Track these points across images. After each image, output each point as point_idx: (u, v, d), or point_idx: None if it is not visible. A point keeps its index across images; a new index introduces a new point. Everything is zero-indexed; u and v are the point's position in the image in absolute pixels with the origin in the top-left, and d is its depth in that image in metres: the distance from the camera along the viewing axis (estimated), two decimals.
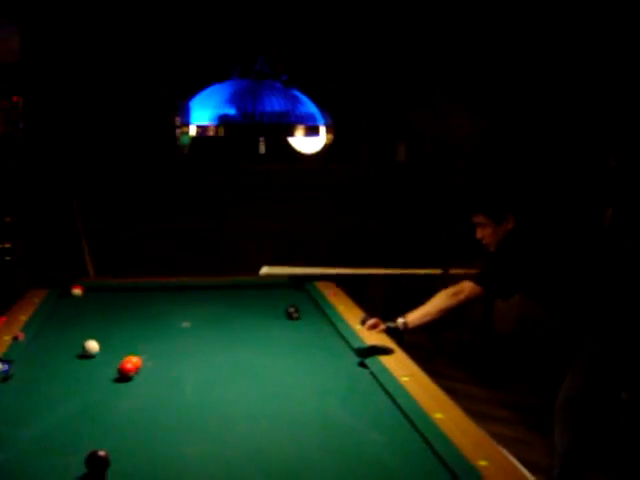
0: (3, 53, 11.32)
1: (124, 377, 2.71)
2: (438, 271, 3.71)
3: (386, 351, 3.05)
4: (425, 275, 6.03)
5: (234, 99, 2.45)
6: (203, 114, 2.52)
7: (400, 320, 3.23)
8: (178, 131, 2.56)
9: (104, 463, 2.01)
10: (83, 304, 3.76)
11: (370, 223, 6.28)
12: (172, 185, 5.96)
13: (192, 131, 2.54)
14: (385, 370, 2.83)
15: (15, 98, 14.74)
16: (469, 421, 2.41)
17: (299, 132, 2.58)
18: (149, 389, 2.66)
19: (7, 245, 5.97)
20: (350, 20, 5.97)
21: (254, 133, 2.58)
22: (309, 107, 2.60)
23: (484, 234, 3.20)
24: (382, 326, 3.24)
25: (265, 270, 3.35)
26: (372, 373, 2.85)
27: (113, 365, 2.78)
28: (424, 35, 6.10)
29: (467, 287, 3.13)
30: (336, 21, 5.92)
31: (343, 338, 3.28)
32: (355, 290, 4.21)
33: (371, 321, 3.22)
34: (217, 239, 6.02)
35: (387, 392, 2.65)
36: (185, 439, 2.26)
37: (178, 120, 2.56)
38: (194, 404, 2.54)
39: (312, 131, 2.63)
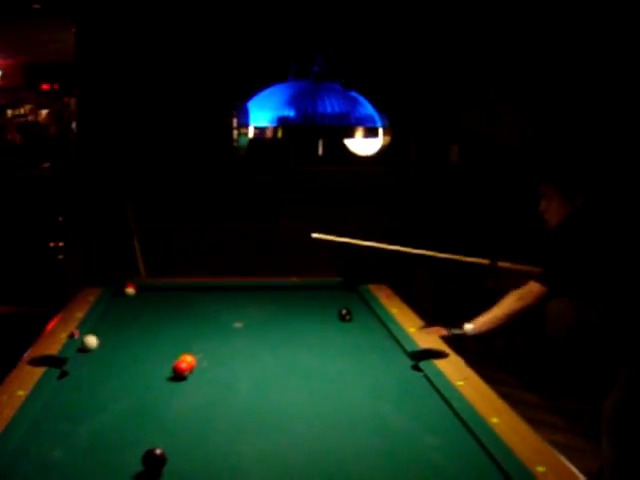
0: (57, 53, 11.49)
1: (179, 376, 2.72)
2: (486, 261, 3.64)
3: (440, 354, 3.02)
4: (473, 267, 5.98)
5: (293, 101, 2.44)
6: (262, 115, 2.52)
7: (468, 326, 3.19)
8: (236, 132, 2.56)
9: (161, 461, 2.01)
10: (136, 303, 3.79)
11: (422, 226, 6.23)
12: (223, 185, 5.98)
13: (250, 133, 2.54)
14: (439, 374, 2.80)
15: (66, 99, 14.95)
16: (526, 426, 2.37)
17: (358, 134, 2.56)
18: (203, 389, 2.67)
19: (60, 244, 6.07)
20: (402, 21, 5.94)
21: (313, 135, 2.56)
22: (368, 109, 2.58)
23: (548, 207, 3.08)
24: (443, 332, 3.22)
25: (316, 235, 3.34)
26: (426, 376, 2.82)
27: (167, 364, 2.79)
28: (476, 35, 6.04)
29: (534, 288, 3.06)
30: (387, 22, 5.89)
31: (396, 340, 3.25)
32: (404, 292, 4.18)
33: (432, 329, 3.20)
34: (267, 240, 6.03)
35: (442, 396, 2.62)
36: (241, 439, 2.26)
37: (236, 121, 2.56)
38: (249, 405, 2.54)
39: (371, 133, 2.61)
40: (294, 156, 6.02)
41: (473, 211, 6.23)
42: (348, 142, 2.84)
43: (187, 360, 2.76)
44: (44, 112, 15.57)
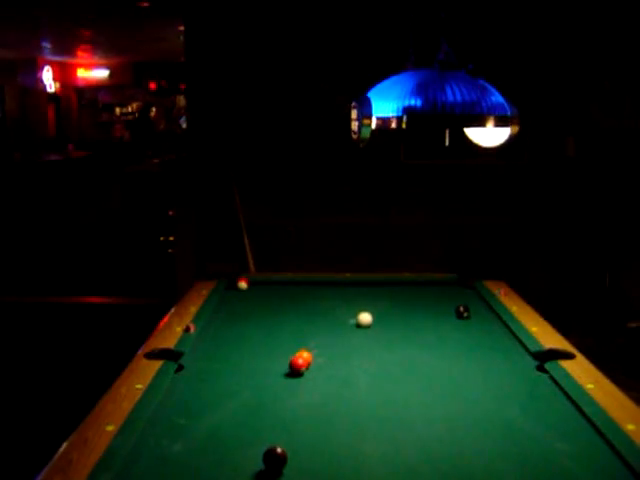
0: (165, 52, 11.68)
1: (295, 372, 2.66)
2: None
3: (566, 355, 2.86)
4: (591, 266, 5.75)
5: (419, 89, 2.33)
6: (385, 106, 2.42)
7: None
8: (356, 124, 2.47)
9: (282, 460, 1.95)
10: (249, 297, 3.76)
11: (534, 222, 6.02)
12: (332, 180, 5.92)
13: (373, 124, 2.45)
14: (567, 376, 2.65)
15: (173, 97, 15.23)
16: None
17: (490, 123, 2.43)
18: (321, 386, 2.60)
19: (171, 238, 6.14)
20: (515, 10, 5.74)
21: (441, 124, 2.44)
22: (498, 96, 2.44)
23: None
24: None
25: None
26: (552, 378, 2.68)
27: (283, 360, 2.74)
28: (588, 21, 5.78)
29: None
30: (501, 11, 5.70)
31: (518, 340, 3.11)
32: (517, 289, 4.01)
33: None
34: (377, 235, 5.94)
35: (571, 399, 2.47)
36: (363, 440, 2.18)
37: (357, 113, 2.48)
38: (368, 403, 2.46)
39: (502, 122, 2.46)
40: (404, 150, 5.90)
41: (590, 208, 5.97)
42: (472, 133, 2.71)
43: (304, 356, 2.70)
44: (152, 109, 15.98)
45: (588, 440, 2.20)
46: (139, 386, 2.41)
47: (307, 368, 2.69)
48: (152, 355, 2.72)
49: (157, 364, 2.63)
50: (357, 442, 2.16)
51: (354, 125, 2.57)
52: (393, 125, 2.39)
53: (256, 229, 5.79)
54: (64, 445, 1.97)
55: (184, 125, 13.46)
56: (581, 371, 2.70)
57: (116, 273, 7.38)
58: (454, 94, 2.32)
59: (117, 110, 16.33)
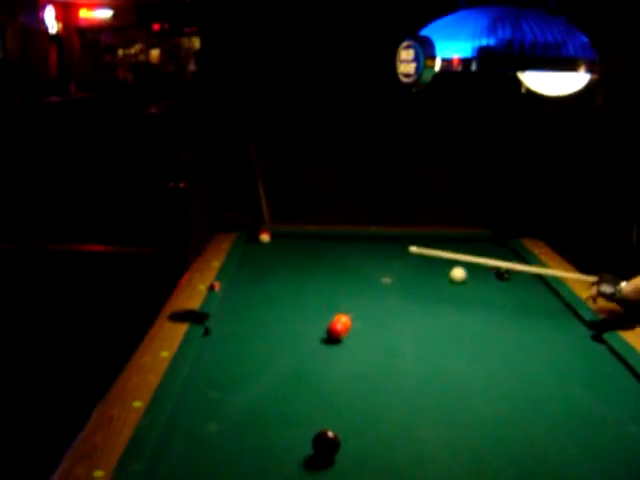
0: None
1: (334, 339, 2.43)
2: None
3: (625, 325, 2.62)
4: (618, 224, 5.51)
5: (494, 27, 2.04)
6: (452, 46, 2.13)
7: (618, 287, 2.78)
8: (413, 66, 2.19)
9: (334, 446, 1.73)
10: (272, 251, 3.52)
11: (558, 177, 5.74)
12: (351, 126, 5.62)
13: (437, 65, 2.16)
14: (630, 349, 2.42)
15: (177, 39, 14.78)
16: None
17: (581, 67, 2.14)
18: (363, 355, 2.38)
19: (181, 185, 5.87)
20: None
21: (523, 67, 2.15)
22: (583, 38, 2.15)
23: None
24: (594, 291, 2.81)
25: (414, 249, 2.99)
26: (613, 350, 2.44)
27: (318, 323, 2.52)
28: None
29: None
30: None
31: (568, 306, 2.87)
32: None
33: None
34: (395, 186, 5.67)
35: (638, 376, 2.24)
36: (417, 421, 1.96)
37: (412, 54, 2.19)
38: (417, 377, 2.24)
39: (591, 67, 2.16)
40: (428, 96, 5.58)
41: (617, 162, 5.69)
42: (534, 79, 2.41)
43: (342, 321, 2.47)
44: (155, 52, 15.54)
45: None
46: (165, 354, 2.18)
47: (347, 334, 2.45)
48: (176, 317, 2.48)
49: (182, 328, 2.40)
50: (412, 424, 1.94)
51: (406, 67, 2.29)
52: (462, 67, 2.10)
53: (271, 177, 5.51)
54: (87, 426, 1.74)
55: (192, 68, 13.08)
56: None
57: (122, 220, 7.11)
58: (534, 33, 2.03)
59: (120, 52, 15.90)
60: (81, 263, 6.10)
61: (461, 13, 2.33)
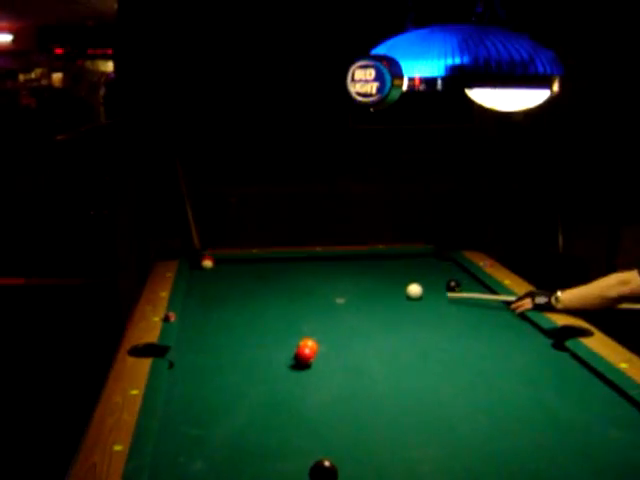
0: (70, 14, 10.96)
1: (303, 364, 2.38)
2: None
3: (584, 332, 2.66)
4: (544, 230, 5.63)
5: (464, 46, 2.03)
6: (419, 65, 2.12)
7: (554, 297, 2.85)
8: (375, 85, 2.16)
9: (332, 476, 1.68)
10: (218, 277, 3.44)
11: (487, 186, 5.84)
12: (281, 146, 5.57)
13: (405, 85, 2.15)
14: (595, 355, 2.45)
15: (80, 61, 14.39)
16: None
17: (555, 84, 2.15)
18: (335, 378, 2.33)
19: (105, 212, 5.71)
20: None
21: (497, 85, 2.15)
22: (549, 53, 2.16)
23: None
24: (529, 304, 2.88)
25: (452, 295, 3.00)
26: (577, 357, 2.48)
27: (283, 349, 2.48)
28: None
29: (634, 279, 2.68)
30: None
31: (524, 317, 2.90)
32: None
33: (520, 303, 2.88)
34: (325, 204, 5.64)
35: (609, 381, 2.27)
36: (407, 442, 1.92)
37: (373, 73, 2.17)
38: (394, 398, 2.21)
39: (560, 82, 2.17)
40: (353, 114, 5.60)
41: (542, 173, 5.84)
42: (486, 96, 2.41)
43: (309, 345, 2.42)
44: (57, 75, 15.14)
45: None
46: (135, 392, 2.08)
47: (314, 358, 2.41)
48: (137, 352, 2.38)
49: (146, 363, 2.30)
50: (401, 446, 1.90)
51: (363, 87, 2.27)
52: (438, 87, 2.09)
53: (198, 201, 5.41)
54: (71, 476, 1.64)
55: (103, 92, 12.81)
56: (606, 349, 2.51)
57: (44, 252, 6.84)
58: (509, 50, 2.03)
59: (21, 77, 15.41)
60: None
61: (421, 32, 2.33)
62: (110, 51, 12.51)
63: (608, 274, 2.83)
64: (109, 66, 13.73)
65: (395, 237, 4.78)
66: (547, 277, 3.50)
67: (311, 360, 2.38)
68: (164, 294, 3.03)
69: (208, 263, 3.54)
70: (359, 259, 3.77)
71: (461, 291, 3.19)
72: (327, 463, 1.68)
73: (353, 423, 2.02)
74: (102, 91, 13.15)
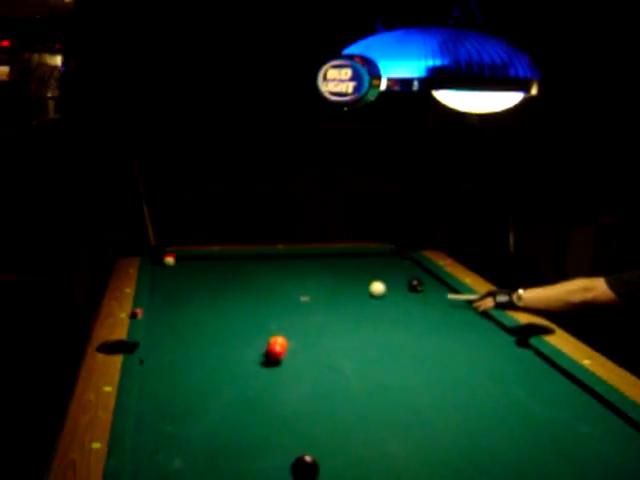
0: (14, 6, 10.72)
1: (273, 361, 2.38)
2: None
3: (546, 330, 2.72)
4: (494, 230, 5.73)
5: (443, 48, 2.05)
6: (397, 66, 2.14)
7: (516, 295, 2.92)
8: (352, 85, 2.18)
9: (314, 471, 1.69)
10: (182, 275, 3.42)
11: (439, 186, 5.92)
12: (233, 143, 5.55)
13: (383, 85, 2.16)
14: (559, 352, 2.51)
15: (27, 54, 14.09)
16: None
17: (533, 87, 2.19)
18: (307, 375, 2.35)
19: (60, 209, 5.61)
20: None
21: (474, 87, 2.18)
22: (526, 57, 2.20)
23: None
24: (491, 303, 2.94)
25: (452, 296, 3.03)
26: (541, 354, 2.53)
27: (252, 346, 2.49)
28: None
29: (598, 287, 2.75)
30: None
31: (487, 315, 2.95)
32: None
33: (482, 302, 2.94)
34: (279, 203, 5.65)
35: (573, 377, 2.33)
36: (382, 437, 1.94)
37: (349, 73, 2.18)
38: (366, 394, 2.23)
39: (536, 86, 2.21)
40: (308, 114, 5.61)
41: (492, 174, 5.94)
42: (451, 97, 2.45)
43: (280, 342, 2.43)
44: (3, 69, 14.82)
45: (613, 422, 2.07)
46: (108, 389, 2.06)
47: (284, 355, 2.42)
48: (106, 348, 2.36)
49: (116, 359, 2.28)
50: (378, 442, 1.92)
51: (337, 86, 2.28)
52: (416, 87, 2.11)
53: (154, 199, 5.36)
54: (51, 473, 1.62)
55: (53, 85, 12.53)
56: (569, 346, 2.58)
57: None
58: (485, 54, 2.07)
59: None
60: None
61: (397, 34, 2.35)
62: (59, 45, 12.25)
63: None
64: (57, 60, 13.47)
65: (353, 236, 4.81)
66: (499, 276, 3.56)
67: (282, 357, 2.39)
68: (129, 290, 3.00)
69: (170, 260, 3.52)
70: (320, 257, 3.79)
71: (422, 291, 3.23)
72: (308, 458, 1.70)
73: (328, 419, 2.03)
74: (53, 85, 12.91)
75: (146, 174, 5.25)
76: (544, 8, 5.35)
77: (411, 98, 5.53)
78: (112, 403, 1.97)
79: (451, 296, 3.09)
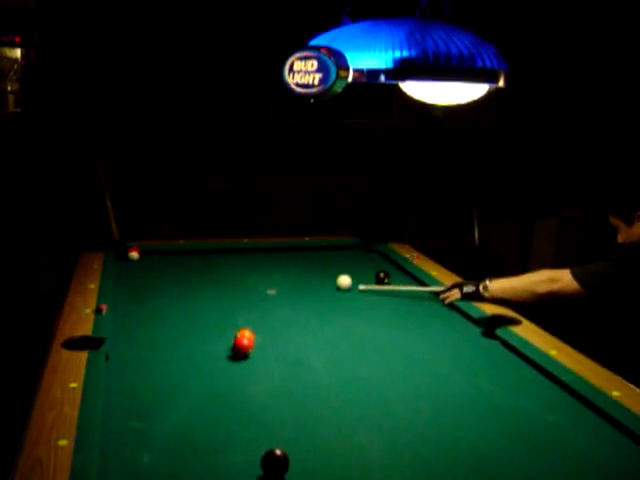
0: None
1: (241, 354, 2.37)
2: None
3: (512, 321, 2.74)
4: (458, 224, 5.77)
5: (411, 39, 2.04)
6: (364, 58, 2.12)
7: (482, 285, 2.94)
8: (318, 76, 2.16)
9: (284, 465, 1.68)
10: (146, 269, 3.39)
11: (406, 178, 5.93)
12: (197, 137, 5.50)
13: (350, 76, 2.15)
14: (525, 342, 2.53)
15: None
16: None
17: (501, 78, 2.19)
18: (275, 369, 2.33)
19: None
20: None
21: (443, 78, 2.16)
22: (493, 48, 2.20)
23: (622, 236, 2.71)
24: (458, 294, 2.96)
25: (362, 287, 3.04)
26: (507, 344, 2.55)
27: (219, 340, 2.49)
28: None
29: (564, 278, 2.78)
30: None
31: (453, 306, 2.96)
32: None
33: (451, 292, 2.96)
34: (245, 197, 5.62)
35: (540, 367, 2.35)
36: (351, 430, 1.94)
37: (315, 64, 2.17)
38: (335, 387, 2.22)
39: (503, 77, 2.20)
40: (274, 107, 5.59)
41: (457, 164, 5.96)
42: (420, 89, 2.44)
43: (247, 336, 2.41)
44: None
45: (578, 410, 2.09)
46: (74, 385, 2.03)
47: (252, 349, 2.40)
48: (71, 344, 2.33)
49: (81, 355, 2.25)
50: (347, 434, 1.92)
51: (304, 78, 2.27)
52: (383, 79, 2.10)
53: (118, 193, 5.30)
54: (17, 473, 1.59)
55: (13, 79, 12.34)
56: (535, 337, 2.60)
57: None
58: (451, 45, 2.07)
59: None
60: None
61: (364, 25, 2.34)
62: (18, 38, 12.03)
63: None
64: (17, 53, 13.29)
65: (319, 229, 4.79)
66: (463, 269, 3.58)
67: (250, 351, 2.38)
68: (93, 286, 2.97)
69: (134, 254, 3.48)
70: (286, 251, 3.78)
71: (389, 283, 3.23)
72: (278, 452, 1.68)
73: (297, 412, 2.02)
74: (12, 79, 12.72)
75: (109, 168, 5.18)
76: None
77: (376, 91, 5.54)
78: (78, 399, 1.94)
79: (362, 287, 3.11)
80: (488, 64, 2.10)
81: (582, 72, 5.69)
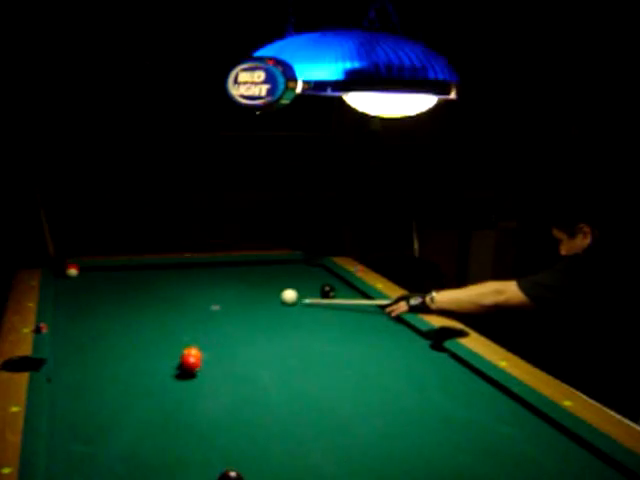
0: None
1: (188, 373, 2.31)
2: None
3: (460, 333, 2.75)
4: (398, 235, 5.80)
5: (361, 51, 2.01)
6: (313, 69, 2.09)
7: (429, 297, 2.94)
8: (265, 88, 2.13)
9: None
10: (86, 286, 3.30)
11: (347, 191, 5.93)
12: (140, 152, 5.39)
13: (299, 87, 2.11)
14: (474, 354, 2.53)
15: None
16: (603, 407, 2.14)
17: (452, 90, 2.18)
18: (224, 387, 2.28)
19: None
20: None
21: (393, 90, 2.14)
22: (442, 60, 2.19)
23: (564, 248, 2.76)
24: (404, 307, 2.96)
25: (308, 301, 3.01)
26: (456, 356, 2.55)
27: (164, 358, 2.42)
28: None
29: (510, 289, 2.80)
30: None
31: (400, 319, 2.95)
32: None
33: (397, 305, 2.95)
34: (183, 211, 5.53)
35: (491, 379, 2.35)
36: (305, 448, 1.90)
37: (262, 76, 2.13)
38: (287, 405, 2.17)
39: (454, 89, 2.19)
40: (217, 120, 5.51)
41: (397, 177, 5.99)
42: (384, 101, 2.41)
43: (194, 354, 2.35)
44: None
45: (531, 421, 2.10)
46: (16, 409, 1.95)
47: (199, 367, 2.35)
48: (11, 366, 2.24)
49: (21, 377, 2.16)
50: (302, 453, 1.88)
51: (250, 89, 2.23)
52: (330, 91, 2.07)
53: (54, 207, 5.15)
54: None
55: None
56: (484, 348, 2.60)
57: None
58: (402, 56, 2.05)
59: None
60: None
61: (311, 36, 2.31)
62: None
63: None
64: None
65: (262, 244, 4.74)
66: (404, 281, 3.59)
67: (197, 369, 2.32)
68: (31, 304, 2.87)
69: (73, 271, 3.39)
70: (229, 265, 3.72)
71: (335, 297, 3.21)
72: (233, 474, 1.64)
73: (248, 431, 1.97)
74: None
75: (45, 182, 5.04)
76: (457, 10, 5.43)
77: (314, 104, 5.52)
78: (20, 424, 1.86)
79: (308, 301, 3.09)
80: (440, 76, 2.09)
81: (522, 82, 5.77)
